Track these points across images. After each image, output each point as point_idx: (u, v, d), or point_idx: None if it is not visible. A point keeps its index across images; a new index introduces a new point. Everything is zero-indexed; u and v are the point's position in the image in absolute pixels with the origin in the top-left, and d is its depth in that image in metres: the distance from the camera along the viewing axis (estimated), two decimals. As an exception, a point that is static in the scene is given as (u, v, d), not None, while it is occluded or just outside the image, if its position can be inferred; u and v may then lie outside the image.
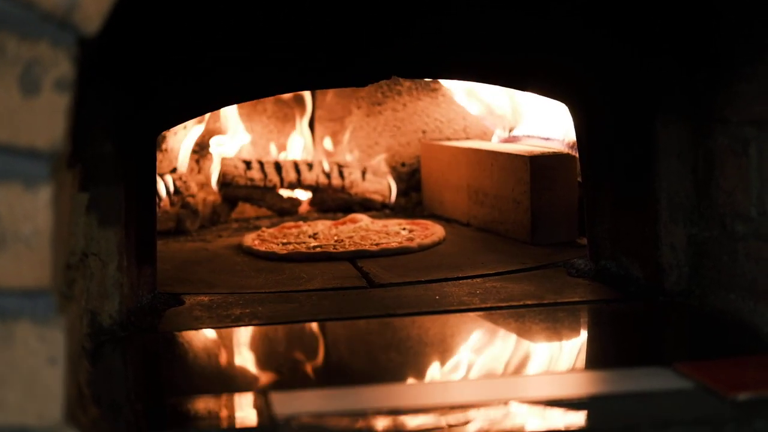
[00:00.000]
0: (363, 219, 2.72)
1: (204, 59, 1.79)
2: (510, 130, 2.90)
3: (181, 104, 1.84)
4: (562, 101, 2.07)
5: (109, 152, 1.65)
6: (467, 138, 3.12)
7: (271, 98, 3.00)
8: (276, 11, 1.75)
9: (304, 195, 3.03)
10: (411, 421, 1.21)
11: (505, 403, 1.27)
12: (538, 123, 2.80)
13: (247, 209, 3.03)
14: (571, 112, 2.07)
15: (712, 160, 1.71)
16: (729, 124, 1.65)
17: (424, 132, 3.16)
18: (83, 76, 1.26)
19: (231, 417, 1.29)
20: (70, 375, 1.13)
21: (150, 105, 1.78)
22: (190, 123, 2.82)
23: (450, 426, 1.19)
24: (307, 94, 3.08)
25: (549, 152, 2.47)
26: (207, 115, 2.83)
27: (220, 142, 2.95)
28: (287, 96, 3.05)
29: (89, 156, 1.60)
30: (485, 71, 1.95)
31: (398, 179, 3.13)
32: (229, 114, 2.93)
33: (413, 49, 1.86)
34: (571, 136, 2.31)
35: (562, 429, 1.19)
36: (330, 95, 3.11)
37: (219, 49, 1.79)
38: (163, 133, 2.78)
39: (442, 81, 3.05)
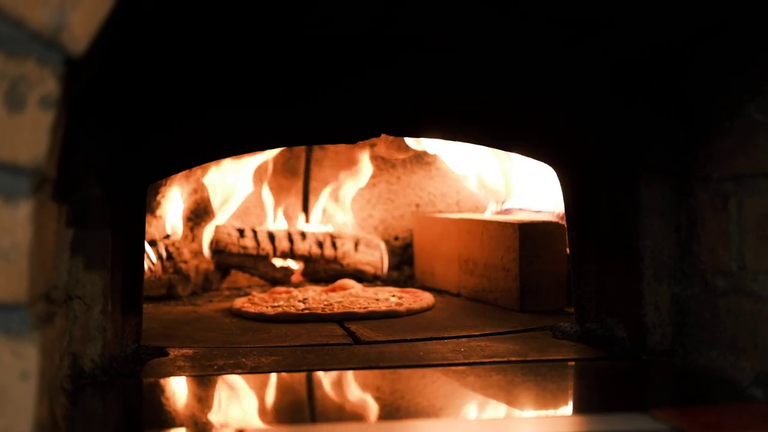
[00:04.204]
0: (354, 286, 2.73)
1: (192, 108, 1.83)
2: (502, 203, 2.93)
3: (171, 152, 1.87)
4: (548, 163, 2.10)
5: (98, 196, 1.67)
6: (460, 211, 3.14)
7: (269, 167, 3.04)
8: (249, 59, 1.80)
9: (296, 265, 3.04)
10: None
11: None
12: (529, 196, 2.84)
13: (239, 278, 3.04)
14: (557, 175, 2.10)
15: (694, 218, 1.73)
16: (709, 180, 1.67)
17: (417, 205, 3.19)
18: (74, 117, 1.30)
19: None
20: (43, 394, 1.12)
21: (140, 151, 1.81)
22: (185, 189, 2.86)
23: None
24: (302, 165, 3.12)
25: (538, 221, 2.49)
26: (202, 179, 2.87)
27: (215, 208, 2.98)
28: (282, 165, 3.09)
29: (77, 198, 1.63)
30: (471, 126, 1.97)
31: (391, 253, 3.15)
32: (225, 182, 2.96)
33: (392, 97, 1.89)
34: (561, 208, 2.34)
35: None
36: (326, 167, 3.14)
37: (207, 99, 1.83)
38: (158, 199, 2.81)
39: (434, 152, 3.09)
